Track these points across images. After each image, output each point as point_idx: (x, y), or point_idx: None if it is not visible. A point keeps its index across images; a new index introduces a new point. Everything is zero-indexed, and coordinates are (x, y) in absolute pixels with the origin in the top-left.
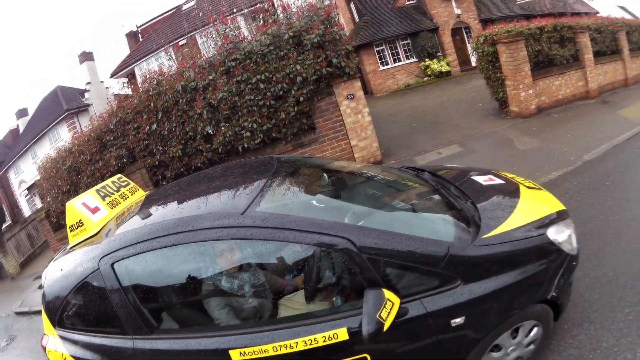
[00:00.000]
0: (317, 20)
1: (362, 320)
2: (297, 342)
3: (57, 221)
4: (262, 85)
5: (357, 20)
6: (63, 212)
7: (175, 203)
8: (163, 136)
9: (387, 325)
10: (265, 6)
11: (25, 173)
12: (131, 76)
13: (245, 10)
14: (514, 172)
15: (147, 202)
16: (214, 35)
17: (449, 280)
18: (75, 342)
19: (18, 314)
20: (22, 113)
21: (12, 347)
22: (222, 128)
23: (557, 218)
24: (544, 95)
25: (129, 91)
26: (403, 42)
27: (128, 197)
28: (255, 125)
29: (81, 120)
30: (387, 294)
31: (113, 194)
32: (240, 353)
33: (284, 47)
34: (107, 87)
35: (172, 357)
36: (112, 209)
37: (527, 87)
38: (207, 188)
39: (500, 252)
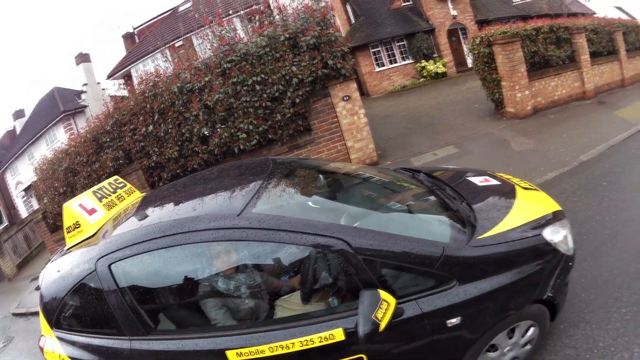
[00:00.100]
0: (313, 22)
1: (358, 320)
2: (293, 343)
3: (53, 222)
4: (258, 87)
5: (353, 21)
6: (60, 214)
7: (171, 204)
8: (159, 138)
9: (382, 325)
10: (261, 8)
11: (22, 174)
12: (127, 77)
13: (241, 12)
14: (510, 173)
15: (144, 204)
16: (209, 37)
17: (445, 281)
18: (72, 343)
19: (15, 315)
20: (19, 114)
21: (9, 349)
22: (218, 129)
23: (553, 219)
24: (540, 96)
25: (125, 92)
26: (399, 44)
27: (124, 199)
28: (251, 127)
29: (78, 121)
30: (383, 294)
31: (110, 195)
32: (237, 354)
33: (279, 49)
34: (103, 89)
35: (169, 358)
36: (109, 210)
37: (523, 88)
38: (203, 189)
39: (495, 253)
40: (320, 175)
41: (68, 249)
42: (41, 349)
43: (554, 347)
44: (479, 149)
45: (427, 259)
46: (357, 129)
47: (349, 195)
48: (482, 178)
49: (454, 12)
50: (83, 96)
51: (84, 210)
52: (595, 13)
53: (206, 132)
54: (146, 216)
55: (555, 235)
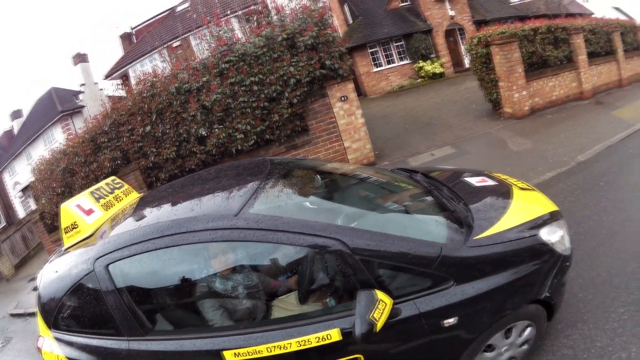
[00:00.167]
0: (311, 22)
1: (354, 321)
2: (290, 343)
3: (51, 223)
4: (255, 87)
5: (350, 21)
6: (57, 214)
7: (169, 205)
8: (157, 138)
9: (379, 325)
10: (259, 8)
11: (19, 175)
12: (125, 78)
13: (239, 12)
14: (508, 173)
15: (141, 204)
16: (207, 37)
17: (442, 281)
18: (70, 344)
19: (13, 315)
20: (16, 114)
21: (7, 349)
22: (216, 130)
23: (550, 219)
24: (537, 97)
25: (122, 93)
26: (397, 44)
27: (122, 199)
28: (248, 127)
29: (75, 121)
30: (380, 294)
31: (107, 195)
32: (235, 354)
33: (277, 49)
34: (101, 89)
35: (167, 358)
36: (107, 210)
37: (521, 88)
38: (200, 190)
39: (492, 253)
40: (318, 176)
41: (66, 249)
42: (39, 350)
43: (552, 347)
44: (477, 149)
45: (424, 259)
46: (355, 129)
47: (346, 196)
48: (479, 178)
49: (451, 13)
50: (81, 96)
51: (82, 211)
52: (593, 13)
53: (204, 133)
54: (144, 216)
55: (552, 235)
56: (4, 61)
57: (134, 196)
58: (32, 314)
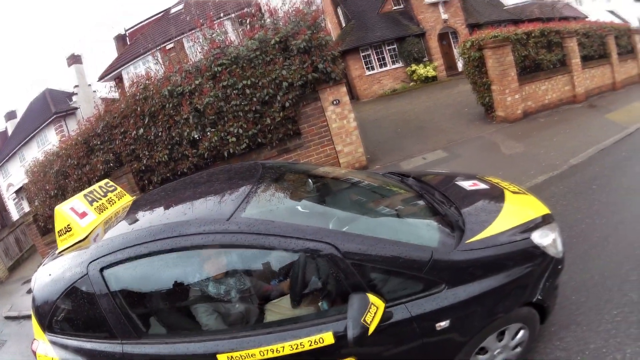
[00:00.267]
0: (304, 26)
1: (347, 324)
2: (283, 347)
3: (44, 225)
4: (248, 91)
5: (343, 24)
6: (51, 216)
7: (161, 209)
8: (149, 141)
9: (371, 329)
10: (253, 11)
11: (13, 176)
12: (118, 80)
13: (233, 15)
14: (500, 177)
15: (134, 208)
16: (201, 40)
17: (433, 285)
18: (65, 347)
19: (7, 318)
20: (10, 115)
21: (2, 352)
22: (208, 133)
23: (542, 222)
24: (530, 100)
25: (116, 95)
26: (389, 47)
27: (115, 202)
28: (241, 131)
29: (69, 123)
30: (372, 298)
31: (100, 199)
32: (228, 357)
33: (270, 52)
34: (94, 91)
35: None
36: (100, 214)
37: (514, 91)
38: (193, 194)
39: (484, 257)
40: (310, 180)
41: (60, 252)
42: (34, 353)
43: (545, 350)
44: (469, 153)
45: (416, 263)
46: (347, 133)
47: (338, 200)
48: (471, 182)
49: (444, 16)
50: (74, 98)
51: (75, 214)
52: (587, 17)
53: (196, 136)
54: (137, 220)
55: (544, 238)
56: (3, 61)
57: (127, 199)
58: (27, 317)
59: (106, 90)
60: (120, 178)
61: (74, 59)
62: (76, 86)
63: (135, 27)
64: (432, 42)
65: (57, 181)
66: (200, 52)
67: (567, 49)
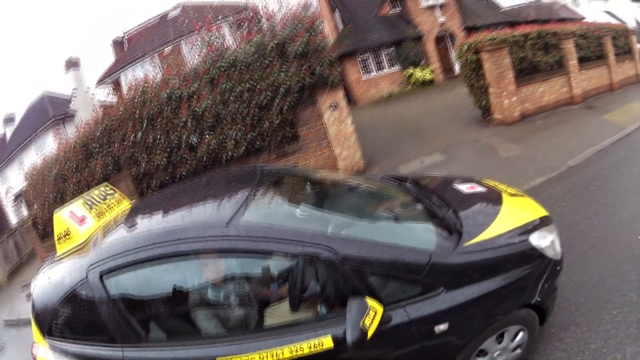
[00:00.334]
0: (302, 29)
1: (346, 328)
2: (283, 351)
3: (43, 229)
4: (246, 94)
5: (340, 28)
6: (50, 221)
7: (160, 213)
8: (148, 145)
9: (370, 332)
10: (250, 15)
11: (12, 180)
12: (116, 84)
13: (230, 19)
14: (498, 180)
15: (133, 213)
16: (199, 44)
17: (432, 288)
18: (65, 352)
19: (7, 323)
20: (8, 120)
21: (2, 357)
22: (207, 137)
23: (540, 224)
24: (527, 102)
25: (114, 99)
26: (387, 51)
27: (114, 207)
28: (239, 134)
29: (67, 127)
30: (370, 302)
31: (99, 203)
32: None
33: (268, 56)
34: (92, 95)
35: None
36: (99, 218)
37: (511, 94)
38: (191, 198)
39: (482, 259)
40: (308, 184)
41: (59, 257)
42: (34, 358)
43: (545, 351)
44: (466, 156)
45: (414, 267)
46: (345, 136)
47: (336, 204)
48: (468, 185)
49: (442, 19)
50: (72, 102)
51: (75, 219)
52: (584, 18)
53: (195, 140)
54: (136, 225)
55: (542, 240)
56: (3, 62)
57: (126, 204)
58: (26, 322)
59: (104, 94)
60: (119, 182)
61: (72, 64)
62: (74, 89)
63: (133, 32)
64: (429, 46)
65: (55, 185)
66: (198, 56)
67: (564, 50)
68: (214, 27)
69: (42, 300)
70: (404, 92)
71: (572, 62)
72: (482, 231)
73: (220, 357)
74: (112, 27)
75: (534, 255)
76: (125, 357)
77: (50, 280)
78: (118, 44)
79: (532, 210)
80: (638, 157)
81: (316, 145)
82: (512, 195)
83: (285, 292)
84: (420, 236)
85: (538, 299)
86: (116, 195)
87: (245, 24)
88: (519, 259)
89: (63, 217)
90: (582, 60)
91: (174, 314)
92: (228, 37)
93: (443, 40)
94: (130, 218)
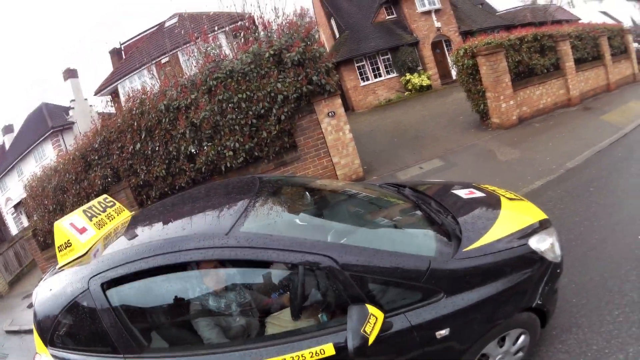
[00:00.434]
0: (298, 38)
1: (347, 335)
2: (284, 359)
3: (44, 240)
4: (243, 104)
5: (337, 36)
6: (50, 231)
7: (160, 224)
8: (147, 156)
9: (371, 339)
10: (246, 24)
11: (11, 190)
12: (115, 94)
13: (227, 29)
14: (497, 184)
15: (134, 223)
16: (195, 54)
17: (432, 294)
18: None
19: (8, 332)
20: (7, 129)
21: None
22: (205, 147)
23: (540, 227)
24: (525, 106)
25: (112, 109)
26: (383, 57)
27: (114, 218)
28: (237, 145)
29: (66, 137)
30: (371, 309)
31: (99, 214)
32: None
33: (264, 65)
34: (90, 105)
35: None
36: (99, 229)
37: (508, 98)
38: (191, 209)
39: (481, 264)
40: (307, 193)
41: (60, 267)
42: None
43: (547, 353)
44: (465, 161)
45: (414, 273)
46: (343, 144)
47: (336, 212)
48: (467, 190)
49: (437, 24)
50: (71, 112)
51: (75, 229)
52: (580, 19)
53: (193, 150)
54: (136, 235)
55: (542, 243)
56: (3, 62)
57: (126, 215)
58: (28, 331)
59: (102, 104)
60: (118, 193)
61: (70, 73)
62: (72, 100)
63: (130, 41)
64: (425, 51)
65: (55, 196)
66: (195, 66)
67: (560, 52)
68: (210, 37)
69: (44, 310)
70: (401, 98)
71: (569, 63)
72: (482, 236)
73: None
74: (112, 27)
75: (534, 258)
76: None
77: (51, 290)
78: (115, 54)
79: (531, 214)
80: (636, 157)
81: (314, 153)
82: (511, 199)
83: (286, 300)
84: (419, 242)
85: (539, 302)
86: (116, 206)
87: (242, 34)
88: (518, 262)
89: (63, 228)
90: (579, 62)
91: (175, 323)
92: (225, 47)
93: (439, 45)
94: (131, 228)
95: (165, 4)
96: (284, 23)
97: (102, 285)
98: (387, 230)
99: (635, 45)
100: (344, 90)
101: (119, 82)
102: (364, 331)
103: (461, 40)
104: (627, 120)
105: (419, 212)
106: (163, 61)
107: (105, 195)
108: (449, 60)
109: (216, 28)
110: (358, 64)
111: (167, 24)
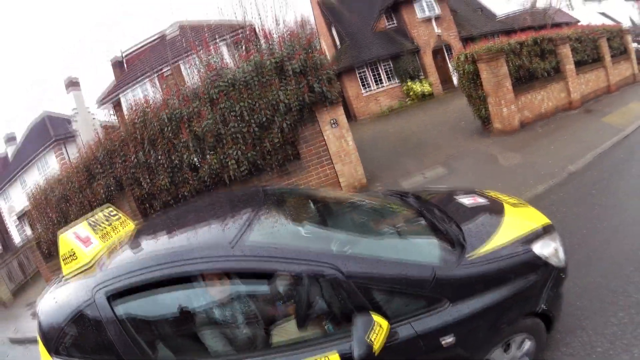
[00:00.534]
0: (299, 48)
1: (352, 344)
2: None
3: (48, 251)
4: (245, 113)
5: (338, 44)
6: (54, 242)
7: (165, 235)
8: (150, 166)
9: (376, 348)
10: (248, 34)
11: (14, 200)
12: (117, 105)
13: (228, 39)
14: (499, 189)
15: (138, 234)
16: (197, 64)
17: (437, 302)
18: None
19: (13, 341)
20: (10, 140)
21: None
22: (208, 157)
23: (543, 232)
24: (526, 110)
25: (114, 120)
26: (385, 65)
27: (118, 229)
28: (239, 153)
29: (69, 148)
30: (376, 317)
31: (104, 225)
32: None
33: (266, 74)
34: (94, 118)
35: None
36: (104, 240)
37: (509, 103)
38: (196, 220)
39: (485, 271)
40: (311, 203)
41: (65, 277)
42: None
43: (552, 357)
44: (468, 167)
45: (418, 282)
46: (346, 153)
47: (340, 222)
48: (470, 197)
49: (438, 31)
50: (73, 123)
51: (80, 240)
52: (579, 21)
53: (196, 160)
54: (141, 247)
55: (546, 248)
56: (3, 62)
57: (130, 226)
58: (32, 340)
59: (105, 116)
60: (121, 203)
61: (72, 85)
62: (74, 109)
63: (132, 53)
64: (426, 58)
65: (59, 206)
66: (197, 75)
67: (560, 55)
68: (212, 48)
69: (49, 320)
70: (403, 106)
71: (569, 66)
72: (485, 243)
73: None
74: (112, 27)
75: (538, 264)
76: None
77: (56, 300)
78: (117, 65)
79: (535, 219)
80: (637, 159)
81: (317, 163)
82: (514, 205)
83: (292, 310)
84: (423, 251)
85: (544, 307)
86: (120, 218)
87: (243, 43)
88: (522, 268)
89: (67, 238)
90: (579, 64)
91: (181, 333)
92: (226, 56)
93: (440, 51)
94: (135, 239)
95: (165, 4)
96: (285, 34)
97: (107, 296)
98: (391, 239)
99: (635, 45)
100: (346, 98)
101: (122, 93)
102: (369, 339)
103: (462, 46)
104: (627, 122)
105: (422, 221)
106: (165, 73)
107: (108, 206)
108: (449, 66)
109: (217, 38)
110: (359, 73)
111: (168, 35)
